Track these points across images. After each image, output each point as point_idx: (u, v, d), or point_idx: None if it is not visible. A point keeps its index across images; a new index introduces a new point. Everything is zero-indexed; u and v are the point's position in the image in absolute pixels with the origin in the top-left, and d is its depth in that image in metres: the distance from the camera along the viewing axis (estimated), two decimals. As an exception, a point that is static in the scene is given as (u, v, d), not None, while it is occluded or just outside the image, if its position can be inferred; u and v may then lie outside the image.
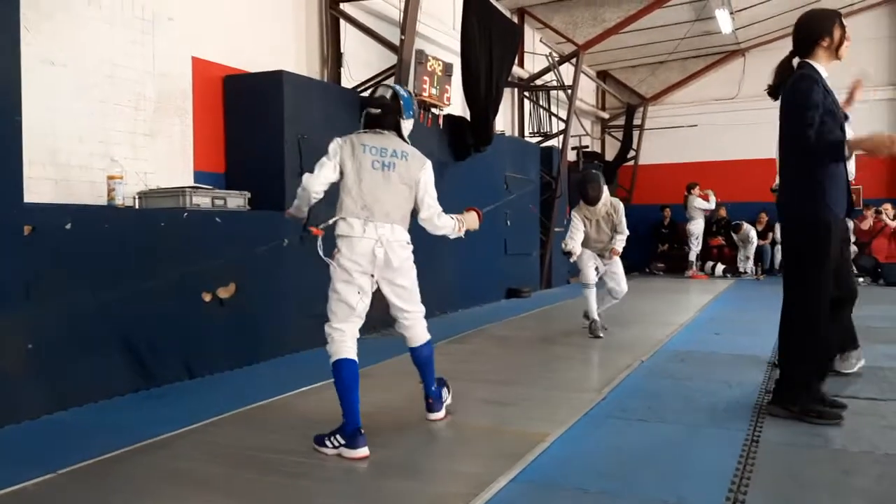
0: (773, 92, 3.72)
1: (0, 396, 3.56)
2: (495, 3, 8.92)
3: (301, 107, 5.71)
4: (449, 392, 3.77)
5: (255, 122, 5.62)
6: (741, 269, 12.94)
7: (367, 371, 4.82)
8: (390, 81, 6.61)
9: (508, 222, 9.49)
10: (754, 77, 14.54)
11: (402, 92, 3.36)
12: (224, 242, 4.92)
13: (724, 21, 11.99)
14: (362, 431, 3.07)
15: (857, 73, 4.52)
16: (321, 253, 3.24)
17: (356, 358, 3.21)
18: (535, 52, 11.64)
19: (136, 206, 4.75)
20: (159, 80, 5.08)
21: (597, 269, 6.34)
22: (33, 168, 4.13)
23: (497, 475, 2.80)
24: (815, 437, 3.37)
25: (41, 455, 3.17)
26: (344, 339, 3.20)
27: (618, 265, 6.42)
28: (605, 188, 6.24)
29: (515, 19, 10.96)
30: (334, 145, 3.26)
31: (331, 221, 3.23)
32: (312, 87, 6.04)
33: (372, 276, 3.22)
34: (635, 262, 14.38)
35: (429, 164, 3.39)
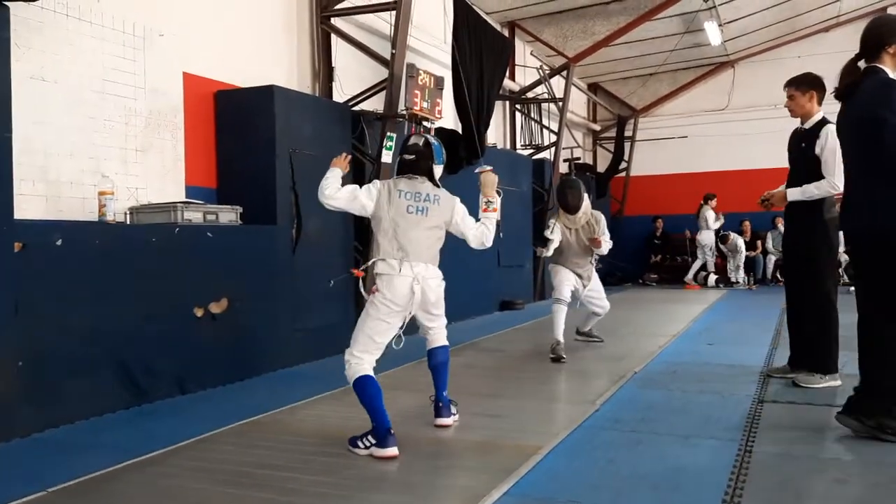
0: (841, 95, 3.59)
1: (-10, 415, 3.54)
2: (486, 17, 8.98)
3: (292, 121, 5.73)
4: (456, 412, 3.84)
5: (247, 137, 5.63)
6: (732, 279, 12.99)
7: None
8: (380, 103, 6.66)
9: (501, 234, 9.48)
10: (744, 88, 14.69)
11: (433, 140, 3.64)
12: (216, 257, 4.92)
13: (712, 33, 12.10)
14: (392, 432, 3.23)
15: None
16: (363, 292, 3.49)
17: (373, 374, 3.41)
18: (526, 65, 11.71)
19: (128, 222, 4.74)
20: (150, 96, 5.08)
21: (574, 294, 5.98)
22: (23, 184, 4.12)
23: (490, 489, 2.79)
24: (809, 446, 3.38)
25: (32, 473, 3.14)
26: (361, 364, 3.38)
27: (596, 283, 6.17)
28: (586, 197, 6.04)
29: (506, 32, 11.03)
30: (374, 186, 3.51)
31: (370, 263, 3.50)
32: (304, 102, 6.05)
33: (405, 313, 3.44)
34: (628, 274, 14.44)
35: (457, 200, 3.63)
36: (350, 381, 3.36)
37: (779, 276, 13.31)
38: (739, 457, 3.18)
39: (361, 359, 3.37)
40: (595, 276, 6.16)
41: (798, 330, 4.70)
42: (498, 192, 3.74)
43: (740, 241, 13.04)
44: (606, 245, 5.97)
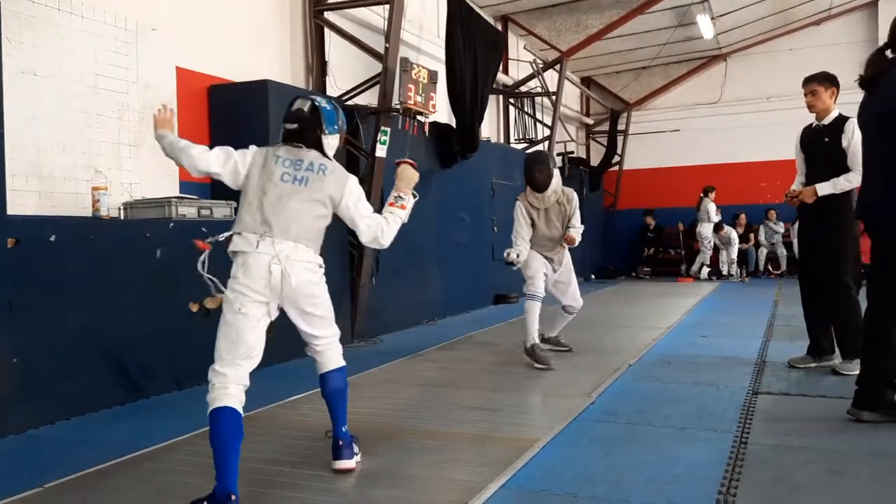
0: (866, 83, 3.60)
1: (-16, 411, 3.53)
2: (479, 11, 8.96)
3: (286, 116, 5.70)
4: (359, 451, 3.11)
5: (241, 132, 5.58)
6: (724, 272, 13.04)
7: (354, 380, 4.78)
8: (373, 97, 6.64)
9: (496, 228, 9.51)
10: (736, 81, 14.72)
11: (322, 104, 2.96)
12: (211, 252, 4.89)
13: (705, 26, 12.12)
14: (233, 497, 2.48)
15: None
16: (202, 270, 2.75)
17: (239, 408, 2.64)
18: (520, 59, 11.70)
19: (122, 217, 4.72)
20: (143, 91, 5.05)
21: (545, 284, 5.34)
22: (16, 180, 4.09)
23: (487, 482, 2.80)
24: (803, 437, 3.40)
25: (28, 469, 3.14)
26: (225, 387, 2.63)
27: (570, 276, 5.52)
28: (557, 173, 5.29)
29: (499, 26, 11.02)
30: (250, 149, 2.94)
31: (221, 237, 2.82)
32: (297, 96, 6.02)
33: (268, 304, 2.75)
34: (621, 267, 14.48)
35: (353, 179, 2.96)
36: (209, 408, 2.61)
37: (770, 268, 13.38)
38: (735, 448, 3.20)
39: (226, 376, 2.62)
40: (568, 262, 5.49)
41: (818, 320, 4.79)
42: (414, 195, 3.09)
43: (734, 234, 13.09)
44: (577, 233, 5.30)
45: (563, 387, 4.65)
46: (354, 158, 6.60)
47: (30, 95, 4.28)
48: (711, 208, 12.98)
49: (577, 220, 5.34)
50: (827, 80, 4.66)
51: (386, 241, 2.99)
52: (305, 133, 2.91)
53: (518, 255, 5.10)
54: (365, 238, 2.99)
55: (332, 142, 2.96)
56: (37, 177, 4.33)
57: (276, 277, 2.71)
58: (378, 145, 6.41)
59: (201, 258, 2.78)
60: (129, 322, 4.30)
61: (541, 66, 11.30)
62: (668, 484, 2.79)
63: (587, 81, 15.51)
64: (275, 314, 2.83)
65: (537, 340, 5.19)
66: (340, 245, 6.35)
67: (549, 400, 4.42)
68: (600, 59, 13.78)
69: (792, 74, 13.12)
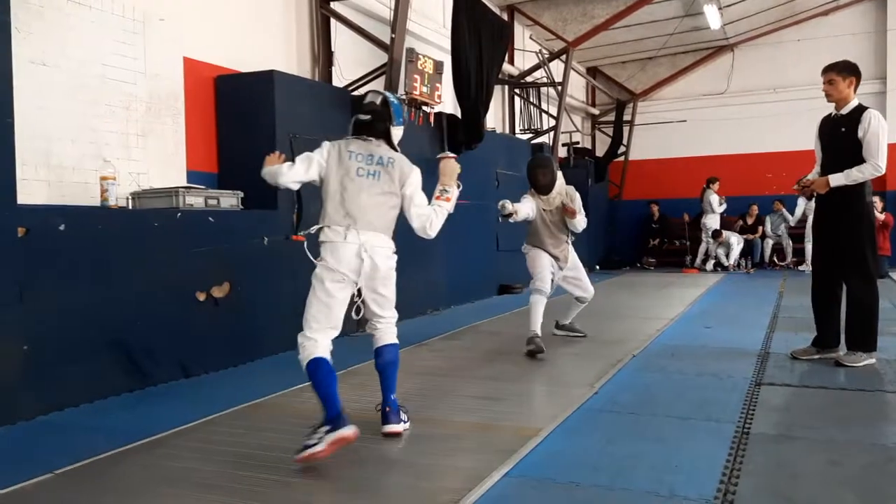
0: None
1: (-4, 398, 3.58)
2: (485, 1, 8.94)
3: (292, 106, 5.73)
4: (408, 420, 3.44)
5: (247, 122, 5.63)
6: (725, 264, 12.98)
7: (357, 369, 4.87)
8: (380, 87, 6.66)
9: (500, 219, 9.51)
10: (743, 72, 14.66)
11: (392, 98, 3.33)
12: (218, 242, 4.94)
13: (712, 16, 12.06)
14: (346, 414, 2.97)
15: None
16: (310, 255, 3.19)
17: (328, 357, 3.11)
18: (525, 49, 11.68)
19: (130, 207, 4.76)
20: (151, 81, 5.08)
21: (551, 280, 5.49)
22: (26, 170, 4.13)
23: (490, 470, 2.83)
24: (804, 427, 3.43)
25: (37, 456, 3.19)
26: (315, 346, 3.10)
27: (578, 270, 5.68)
28: (560, 174, 5.48)
29: (505, 16, 10.99)
30: (324, 147, 3.24)
31: (313, 230, 3.20)
32: (304, 87, 6.05)
33: (356, 284, 3.16)
34: (626, 258, 14.48)
35: (416, 171, 3.28)
36: (302, 366, 3.10)
37: (776, 259, 13.36)
38: (736, 438, 3.23)
39: (315, 340, 3.09)
40: (574, 257, 5.67)
41: (829, 311, 4.81)
42: (458, 185, 3.39)
43: (733, 238, 13.03)
44: (582, 221, 5.47)
45: (567, 377, 4.68)
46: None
47: (39, 85, 4.31)
48: (714, 199, 12.96)
49: (581, 216, 5.50)
50: (846, 70, 4.64)
51: (433, 231, 3.31)
52: (376, 125, 3.24)
53: (514, 210, 5.14)
54: (415, 226, 3.32)
55: (397, 133, 3.31)
56: (46, 166, 4.37)
57: (367, 265, 3.12)
58: (384, 136, 6.41)
59: (304, 247, 3.21)
60: (138, 310, 4.34)
61: (546, 56, 11.27)
62: (669, 473, 2.82)
63: (593, 71, 15.46)
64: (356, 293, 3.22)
65: (538, 332, 5.25)
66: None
67: (552, 389, 4.45)
68: (606, 49, 13.73)
69: (800, 65, 13.26)
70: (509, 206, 5.12)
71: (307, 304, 3.15)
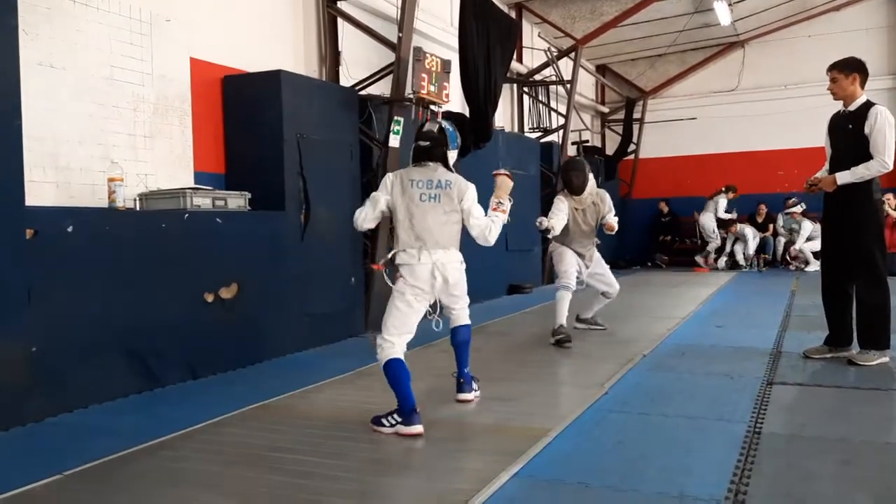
0: None
1: (5, 399, 3.59)
2: (493, -1, 8.90)
3: (300, 106, 5.72)
4: (478, 389, 4.02)
5: (255, 122, 5.63)
6: (741, 262, 12.90)
7: (368, 370, 4.86)
8: (387, 87, 6.65)
9: (509, 218, 9.48)
10: (754, 69, 14.54)
11: (448, 126, 3.70)
12: (225, 243, 4.94)
13: (722, 13, 11.97)
14: (417, 411, 3.35)
15: None
16: (388, 281, 3.63)
17: (403, 358, 3.52)
18: (534, 47, 11.64)
19: (137, 208, 4.77)
20: (158, 82, 5.09)
21: (579, 278, 5.82)
22: (34, 171, 4.14)
23: (499, 471, 2.81)
24: (816, 427, 3.39)
25: (47, 457, 3.20)
26: (393, 348, 3.50)
27: (602, 266, 6.03)
28: (591, 176, 5.87)
29: (513, 14, 10.95)
30: (387, 181, 3.62)
31: (389, 256, 3.60)
32: (311, 87, 6.04)
33: (428, 297, 3.59)
34: (637, 256, 14.40)
35: (471, 188, 3.66)
36: (381, 364, 3.49)
37: (788, 257, 13.24)
38: (748, 438, 3.19)
39: (392, 343, 3.49)
40: (598, 256, 6.01)
41: (840, 310, 4.77)
42: (510, 199, 3.76)
43: (748, 230, 12.92)
44: (615, 221, 5.93)
45: (577, 377, 4.65)
46: (368, 148, 6.61)
47: (46, 87, 4.32)
48: (721, 204, 12.92)
49: (611, 215, 5.94)
50: (848, 67, 4.61)
51: (492, 238, 3.69)
52: (435, 150, 3.62)
53: (552, 226, 5.50)
54: (474, 234, 3.70)
55: (453, 155, 3.69)
56: (54, 168, 4.38)
57: (440, 281, 3.55)
58: (391, 135, 6.41)
59: (384, 274, 3.67)
60: (146, 312, 4.35)
61: (555, 54, 11.24)
62: (679, 473, 2.79)
63: (602, 69, 15.40)
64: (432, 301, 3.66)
65: (564, 323, 5.62)
66: (354, 235, 6.38)
67: (562, 390, 4.43)
68: (615, 47, 13.66)
69: (811, 61, 13.12)
70: (545, 222, 5.46)
71: (387, 311, 3.56)
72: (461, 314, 3.88)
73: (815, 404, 3.88)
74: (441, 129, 3.64)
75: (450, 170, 3.67)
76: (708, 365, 4.79)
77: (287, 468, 2.96)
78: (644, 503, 2.54)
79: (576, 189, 5.74)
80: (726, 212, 13.04)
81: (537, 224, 5.47)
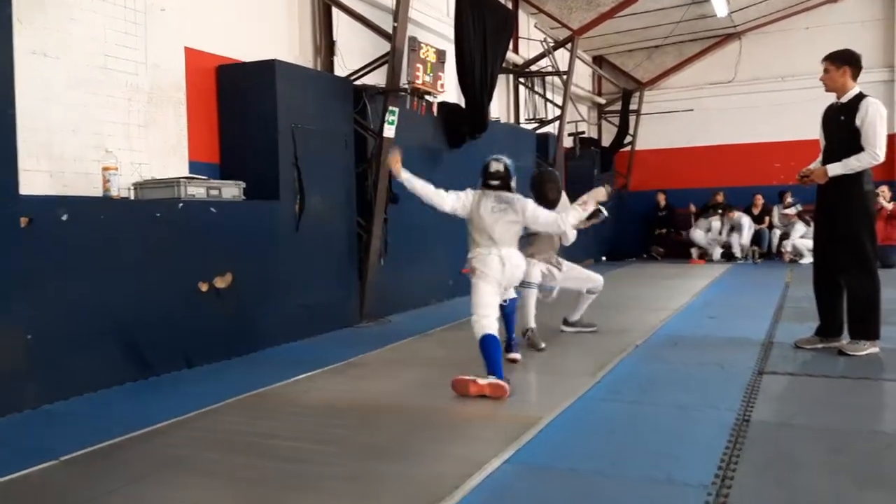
0: None
1: (1, 386, 3.61)
2: (489, -10, 8.87)
3: (294, 96, 5.72)
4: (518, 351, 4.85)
5: (249, 112, 5.63)
6: (736, 255, 12.94)
7: (361, 360, 4.90)
8: (382, 76, 6.65)
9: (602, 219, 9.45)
10: (751, 60, 14.53)
11: (509, 163, 4.44)
12: (220, 232, 4.96)
13: (719, 4, 11.95)
14: (507, 380, 3.89)
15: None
16: (471, 276, 4.29)
17: (496, 333, 4.07)
18: (530, 38, 11.62)
19: (132, 197, 4.77)
20: (152, 71, 5.08)
21: (545, 280, 5.50)
22: (28, 160, 4.14)
23: (491, 457, 2.84)
24: (805, 416, 3.43)
25: (43, 443, 3.22)
26: (489, 321, 4.10)
27: (575, 268, 5.69)
28: (564, 194, 5.64)
29: (509, 4, 10.91)
30: (470, 193, 4.42)
31: (471, 256, 4.31)
32: (305, 76, 6.04)
33: (499, 282, 4.25)
34: (633, 249, 14.43)
35: (529, 203, 4.40)
36: (477, 337, 4.06)
37: (783, 249, 13.28)
38: (737, 426, 3.22)
39: (487, 316, 4.11)
40: (566, 262, 5.68)
41: (831, 301, 4.80)
42: (598, 208, 4.60)
43: (745, 219, 12.95)
44: (573, 236, 5.40)
45: (569, 367, 4.68)
46: (362, 138, 6.61)
47: (40, 76, 4.32)
48: (715, 227, 13.14)
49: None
50: (839, 59, 4.64)
51: (566, 227, 4.55)
52: (502, 186, 4.41)
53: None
54: (546, 230, 4.74)
55: (513, 183, 4.45)
56: (48, 157, 4.39)
57: (508, 270, 4.27)
58: (386, 125, 6.41)
59: (470, 276, 4.30)
60: (140, 301, 4.37)
61: (551, 44, 11.22)
62: (668, 460, 2.82)
63: (599, 60, 15.37)
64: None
65: (533, 325, 5.29)
66: (348, 226, 6.39)
67: (554, 379, 4.45)
68: (612, 38, 13.63)
69: (807, 53, 13.09)
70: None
71: (473, 297, 4.23)
72: (509, 291, 4.63)
73: (804, 393, 3.91)
74: (506, 167, 4.42)
75: (512, 191, 4.42)
76: (700, 355, 4.82)
77: (281, 455, 2.99)
78: (632, 488, 2.58)
79: (551, 203, 5.21)
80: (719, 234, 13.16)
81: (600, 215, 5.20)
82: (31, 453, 3.01)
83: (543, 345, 5.18)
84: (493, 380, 3.86)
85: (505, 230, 4.34)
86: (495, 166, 4.49)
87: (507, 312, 4.68)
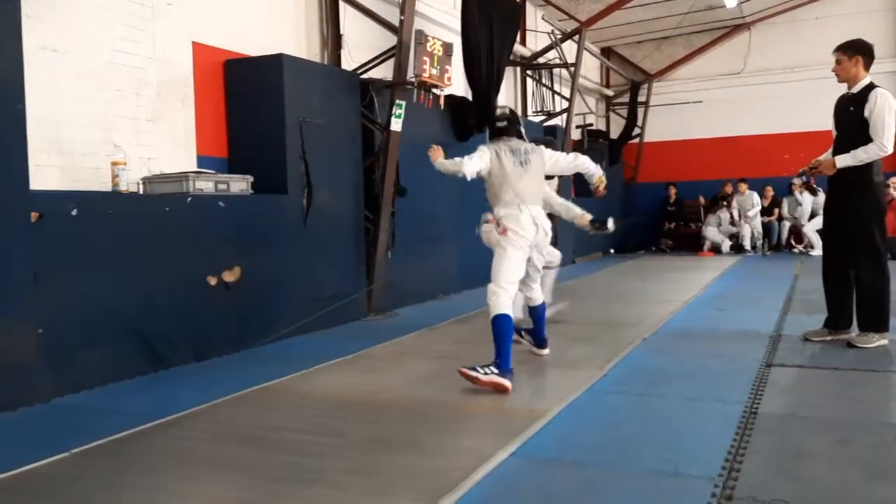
0: None
1: (13, 380, 3.65)
2: (496, -18, 8.84)
3: (302, 90, 5.73)
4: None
5: (257, 106, 5.65)
6: (746, 246, 12.87)
7: (369, 353, 4.92)
8: (389, 69, 6.64)
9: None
10: (760, 51, 14.43)
11: (513, 109, 4.40)
12: (228, 226, 4.98)
13: (728, -6, 11.87)
14: (513, 372, 3.78)
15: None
16: (497, 230, 4.04)
17: (511, 314, 3.90)
18: (537, 30, 11.57)
19: (141, 192, 4.80)
20: (160, 66, 5.10)
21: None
22: (38, 155, 4.17)
23: (497, 449, 2.85)
24: (812, 408, 3.42)
25: (54, 436, 3.25)
26: (507, 298, 3.88)
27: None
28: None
29: (517, -3, 10.87)
30: (486, 148, 4.13)
31: (500, 215, 4.04)
32: (313, 70, 6.05)
33: (530, 246, 4.06)
34: (642, 241, 14.39)
35: (546, 151, 4.30)
36: (492, 313, 3.87)
37: (792, 241, 13.22)
38: (744, 418, 3.22)
39: (507, 290, 3.89)
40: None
41: (840, 293, 4.78)
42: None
43: (756, 197, 12.84)
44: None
45: (576, 360, 4.68)
46: (369, 132, 6.61)
47: (49, 72, 4.34)
48: (724, 218, 13.08)
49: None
50: (851, 49, 4.61)
51: (587, 164, 4.46)
52: (510, 128, 4.24)
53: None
54: (571, 169, 4.52)
55: (522, 130, 4.30)
56: (58, 152, 4.41)
57: (540, 228, 4.07)
58: (393, 119, 6.41)
59: (497, 230, 4.05)
60: (150, 295, 4.40)
61: (559, 36, 11.17)
62: (675, 452, 2.83)
63: (607, 52, 15.30)
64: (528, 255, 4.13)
65: (549, 301, 5.55)
66: (356, 219, 6.41)
67: (561, 372, 4.45)
68: (620, 29, 13.56)
69: (817, 44, 12.98)
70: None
71: (496, 263, 4.00)
72: (538, 292, 4.49)
73: (812, 386, 3.91)
74: (512, 110, 4.32)
75: (524, 140, 4.24)
76: (708, 347, 4.82)
77: (289, 447, 3.02)
78: (639, 480, 2.58)
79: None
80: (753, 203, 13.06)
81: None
82: (42, 445, 3.05)
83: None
84: (495, 377, 3.71)
85: (531, 184, 4.11)
86: (500, 111, 4.39)
87: (538, 317, 4.57)
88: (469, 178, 4.07)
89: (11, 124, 3.64)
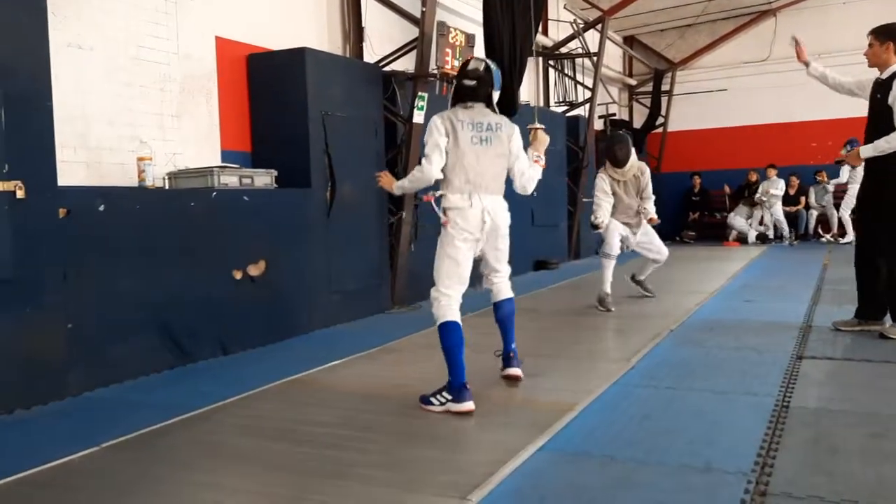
0: None
1: (45, 375, 3.70)
2: (517, -29, 8.75)
3: (324, 83, 5.73)
4: (521, 363, 3.88)
5: (280, 100, 5.65)
6: (770, 236, 12.69)
7: (395, 345, 4.91)
8: (411, 62, 6.61)
9: (535, 193, 9.43)
10: (786, 38, 14.08)
11: (492, 65, 3.49)
12: (253, 221, 5.00)
13: (753, -20, 11.65)
14: (468, 387, 3.29)
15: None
16: (438, 211, 3.47)
17: (460, 321, 3.42)
18: (560, 20, 11.47)
19: (166, 187, 4.83)
20: (184, 61, 5.13)
21: (624, 242, 6.22)
22: (65, 152, 4.21)
23: (525, 444, 2.84)
24: (845, 401, 3.36)
25: (85, 430, 3.29)
26: (450, 304, 3.42)
27: (650, 234, 6.34)
28: (633, 150, 6.22)
29: (538, -13, 10.77)
30: (438, 124, 3.40)
31: (438, 194, 3.47)
32: (335, 64, 6.04)
33: (477, 242, 3.49)
34: (666, 231, 14.23)
35: (517, 129, 3.59)
36: (436, 322, 3.41)
37: (820, 231, 13.01)
38: (776, 412, 3.17)
39: (449, 296, 3.41)
40: (645, 224, 6.27)
41: (872, 282, 4.69)
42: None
43: (781, 183, 12.63)
44: (653, 209, 6.27)
45: (603, 352, 4.65)
46: (392, 125, 6.60)
47: (76, 68, 4.38)
48: (743, 211, 12.91)
49: (649, 190, 6.25)
50: (883, 34, 4.51)
51: (530, 188, 3.66)
52: (480, 90, 3.44)
53: (602, 221, 6.04)
54: (518, 183, 3.65)
55: (496, 96, 3.50)
56: (85, 148, 4.46)
57: (489, 225, 3.43)
58: (415, 111, 6.39)
59: (433, 204, 3.51)
60: (177, 289, 4.43)
61: (581, 25, 11.06)
62: (706, 446, 2.79)
63: (630, 41, 15.12)
64: (478, 251, 3.57)
65: (608, 291, 6.01)
66: (379, 212, 6.40)
67: (588, 364, 4.42)
68: (643, 18, 13.38)
69: (845, 30, 12.77)
70: (595, 220, 6.06)
71: (438, 262, 3.48)
72: (503, 286, 3.78)
73: (844, 378, 3.83)
74: (487, 67, 3.46)
75: (494, 111, 3.51)
76: (736, 339, 4.75)
77: (317, 440, 3.02)
78: (669, 475, 2.55)
79: (620, 161, 6.05)
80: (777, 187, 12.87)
81: (592, 220, 6.10)
82: (72, 440, 3.08)
83: (613, 308, 5.89)
84: (450, 405, 3.25)
85: (490, 169, 3.42)
86: (474, 64, 3.50)
87: (503, 317, 3.80)
88: (436, 177, 3.47)
89: (40, 121, 3.67)
